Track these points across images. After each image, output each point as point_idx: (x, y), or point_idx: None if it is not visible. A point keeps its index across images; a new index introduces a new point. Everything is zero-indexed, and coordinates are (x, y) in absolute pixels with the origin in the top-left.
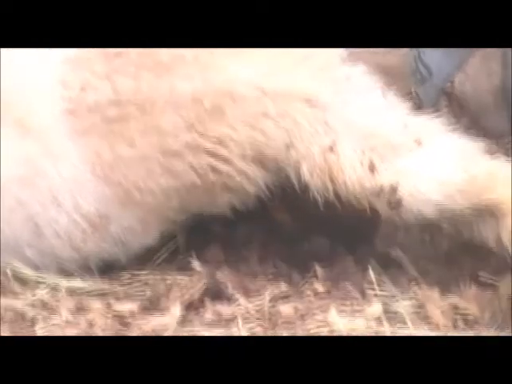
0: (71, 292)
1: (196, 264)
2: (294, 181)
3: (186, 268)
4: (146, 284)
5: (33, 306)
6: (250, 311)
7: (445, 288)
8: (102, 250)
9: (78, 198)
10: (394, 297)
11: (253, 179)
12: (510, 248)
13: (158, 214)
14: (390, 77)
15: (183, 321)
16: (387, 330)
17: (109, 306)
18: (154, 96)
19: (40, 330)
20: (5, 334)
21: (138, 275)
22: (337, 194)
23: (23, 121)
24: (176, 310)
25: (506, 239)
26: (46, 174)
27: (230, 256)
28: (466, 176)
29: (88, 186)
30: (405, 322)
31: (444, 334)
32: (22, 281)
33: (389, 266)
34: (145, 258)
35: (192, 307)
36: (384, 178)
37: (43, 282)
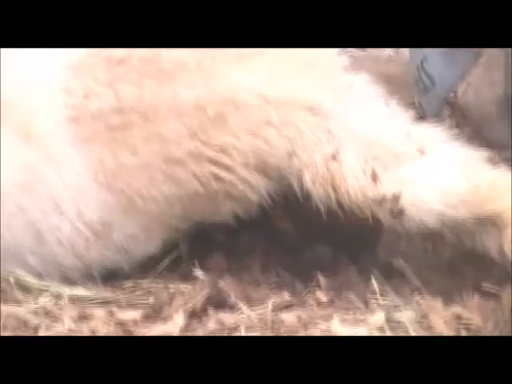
0: (74, 300)
1: (199, 272)
2: (297, 189)
3: (188, 276)
4: (149, 292)
5: (35, 313)
6: (252, 320)
7: (448, 298)
8: (105, 258)
9: (80, 205)
10: (396, 306)
11: (255, 187)
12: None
13: (160, 221)
14: (393, 86)
15: (186, 329)
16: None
17: (111, 314)
18: (157, 104)
19: None
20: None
21: (141, 283)
22: (339, 203)
23: (26, 127)
24: (179, 319)
25: (507, 249)
26: (49, 181)
27: (233, 264)
28: (468, 186)
29: (91, 194)
30: (407, 332)
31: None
32: (25, 288)
33: (391, 276)
34: (147, 266)
35: (195, 316)
36: (386, 187)
37: (46, 290)
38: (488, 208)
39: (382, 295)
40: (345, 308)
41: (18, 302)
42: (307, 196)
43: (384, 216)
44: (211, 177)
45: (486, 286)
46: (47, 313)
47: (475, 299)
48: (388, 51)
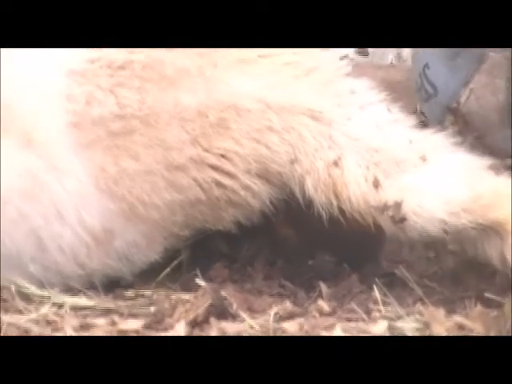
0: (75, 308)
1: (200, 281)
2: (299, 195)
3: (190, 285)
4: (151, 301)
5: (37, 322)
6: (255, 329)
7: (450, 307)
8: (106, 266)
9: (82, 212)
10: (399, 317)
11: (257, 194)
12: None
13: (162, 228)
14: (395, 92)
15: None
16: None
17: (113, 323)
18: (159, 110)
19: None
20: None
21: (143, 292)
22: (341, 210)
23: (27, 133)
24: (181, 328)
25: (509, 258)
26: (50, 188)
27: (235, 272)
28: (471, 194)
29: (92, 200)
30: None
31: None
32: (26, 297)
33: (394, 284)
34: (149, 275)
35: (197, 325)
36: (388, 194)
37: (48, 298)
38: (490, 216)
39: (384, 304)
40: (347, 318)
41: (19, 311)
42: (309, 202)
43: (386, 223)
44: (213, 183)
45: (489, 294)
46: (48, 322)
47: (478, 308)
48: (390, 58)
